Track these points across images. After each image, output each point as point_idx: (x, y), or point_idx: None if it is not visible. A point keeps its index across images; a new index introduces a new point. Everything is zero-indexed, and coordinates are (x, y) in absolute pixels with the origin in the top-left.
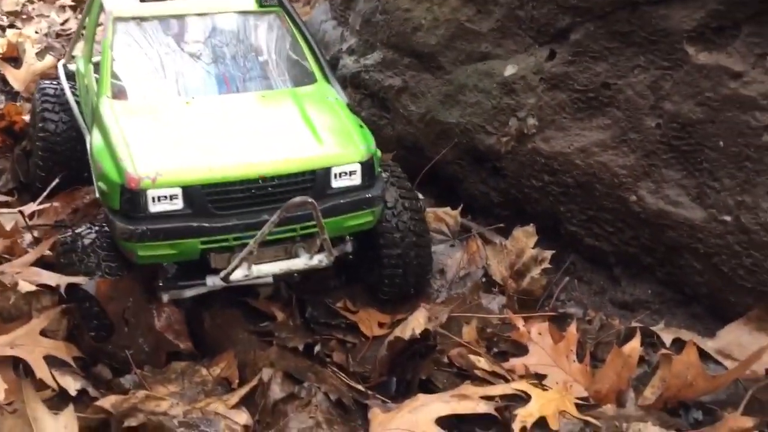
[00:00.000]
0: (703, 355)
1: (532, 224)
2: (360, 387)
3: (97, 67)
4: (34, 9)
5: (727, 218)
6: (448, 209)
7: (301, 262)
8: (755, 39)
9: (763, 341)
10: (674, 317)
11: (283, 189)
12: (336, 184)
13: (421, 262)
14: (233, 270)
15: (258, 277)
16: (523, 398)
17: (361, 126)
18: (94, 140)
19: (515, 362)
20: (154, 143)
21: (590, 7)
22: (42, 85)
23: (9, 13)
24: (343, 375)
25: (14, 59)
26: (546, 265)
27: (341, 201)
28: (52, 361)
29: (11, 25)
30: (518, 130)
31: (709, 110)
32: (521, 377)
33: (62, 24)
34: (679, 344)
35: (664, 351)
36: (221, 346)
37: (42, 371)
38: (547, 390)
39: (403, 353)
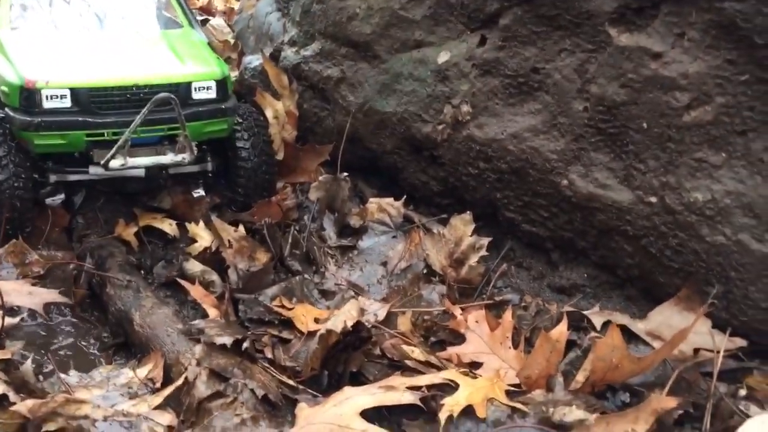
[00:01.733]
0: (635, 337)
1: (468, 212)
2: (290, 382)
3: None
4: None
5: (653, 199)
6: (391, 200)
7: (167, 158)
8: (674, 18)
9: (691, 321)
10: (610, 300)
11: (152, 97)
12: (196, 96)
13: (268, 170)
14: (112, 157)
15: (133, 168)
16: (453, 387)
17: (217, 58)
18: None
19: (452, 351)
20: (47, 58)
21: None
22: None
23: None
24: (275, 371)
25: None
26: (483, 252)
27: (200, 109)
28: None
29: None
30: (453, 118)
31: (632, 92)
32: (458, 366)
33: None
34: (610, 327)
35: (593, 335)
36: (150, 347)
37: None
38: (476, 378)
39: (336, 346)
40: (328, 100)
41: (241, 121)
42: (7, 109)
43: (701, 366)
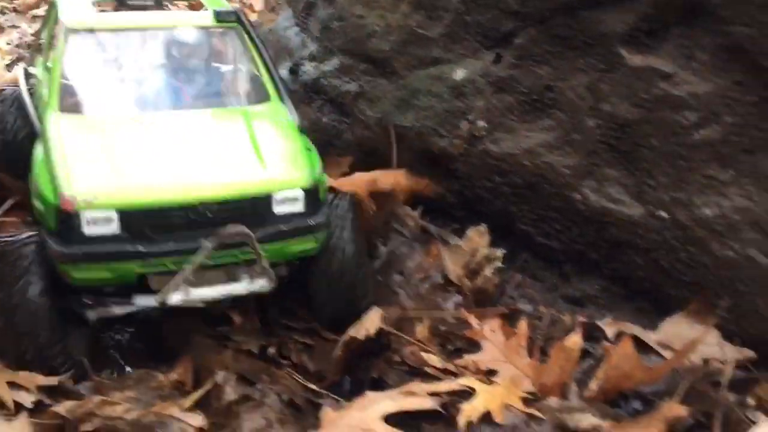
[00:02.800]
0: (647, 347)
1: (484, 224)
2: (314, 387)
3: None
4: (6, 20)
5: (664, 215)
6: (408, 209)
7: (241, 287)
8: (684, 41)
9: (701, 333)
10: (621, 311)
11: (223, 214)
12: (278, 210)
13: (356, 294)
14: (169, 292)
15: (197, 301)
16: (470, 394)
17: (309, 149)
18: (35, 156)
19: (468, 359)
20: (94, 162)
21: (531, 12)
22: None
23: None
24: (299, 376)
25: None
26: (498, 263)
27: (282, 227)
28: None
29: None
30: (469, 133)
31: (644, 110)
32: (474, 374)
33: (33, 35)
34: (622, 337)
35: (606, 344)
36: (179, 351)
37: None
38: (493, 385)
39: (358, 353)
40: (347, 114)
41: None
42: (41, 230)
43: (711, 376)
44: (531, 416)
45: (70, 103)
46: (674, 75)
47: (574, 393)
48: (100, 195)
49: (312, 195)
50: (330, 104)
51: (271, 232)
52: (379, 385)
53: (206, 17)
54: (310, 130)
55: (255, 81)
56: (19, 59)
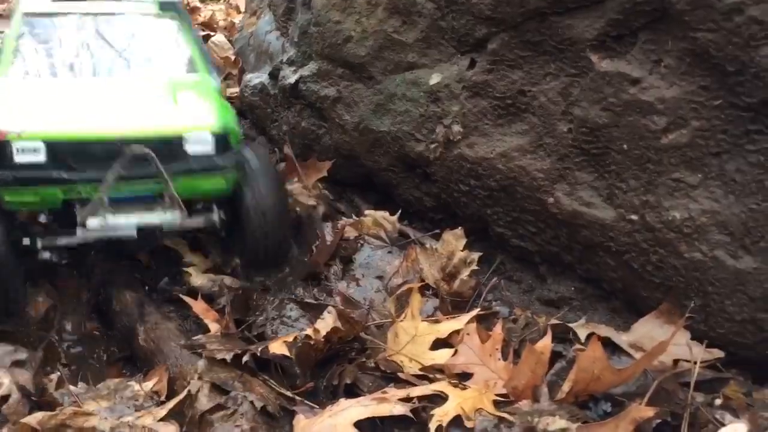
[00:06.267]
0: (619, 349)
1: (460, 227)
2: (288, 393)
3: None
4: None
5: (634, 217)
6: (386, 214)
7: (155, 216)
8: (651, 46)
9: (671, 333)
10: (596, 312)
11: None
12: (190, 149)
13: (279, 235)
14: (88, 215)
15: (117, 229)
16: (443, 398)
17: (223, 107)
18: None
19: (444, 362)
20: (28, 107)
21: (503, 17)
22: None
23: None
24: (273, 383)
25: None
26: (474, 266)
27: (193, 165)
28: None
29: None
30: (445, 137)
31: (613, 115)
32: (449, 377)
33: None
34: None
35: (577, 346)
36: (154, 360)
37: None
38: (466, 389)
39: (327, 355)
40: (325, 119)
41: (245, 168)
42: None
43: (680, 376)
44: (502, 419)
45: (16, 71)
46: (642, 80)
47: (545, 396)
48: (30, 128)
49: (222, 139)
50: (309, 109)
51: (183, 168)
52: (353, 392)
53: (150, 7)
54: (289, 134)
55: (187, 58)
56: None
